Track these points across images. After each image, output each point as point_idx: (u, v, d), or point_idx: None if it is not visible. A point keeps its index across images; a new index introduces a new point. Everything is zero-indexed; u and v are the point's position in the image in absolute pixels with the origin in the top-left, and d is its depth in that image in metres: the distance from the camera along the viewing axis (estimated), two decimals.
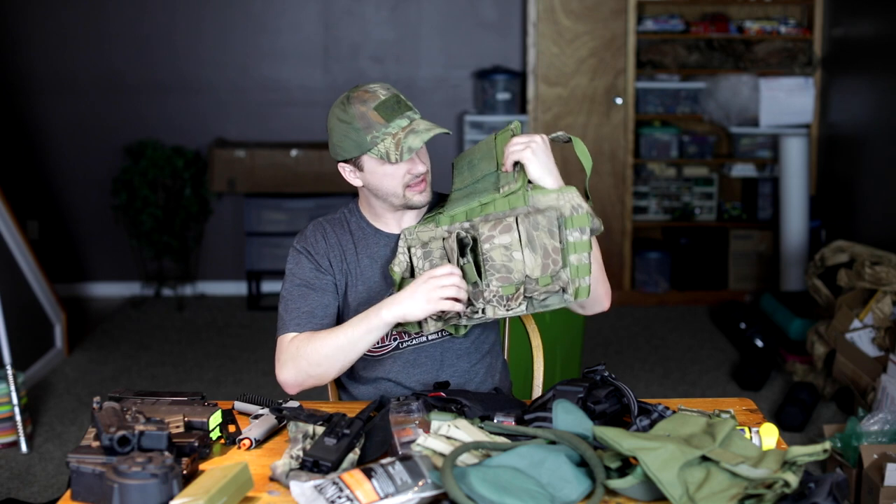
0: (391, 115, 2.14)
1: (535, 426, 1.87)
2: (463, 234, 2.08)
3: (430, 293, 2.00)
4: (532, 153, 2.08)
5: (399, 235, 2.25)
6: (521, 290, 2.03)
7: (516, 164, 2.11)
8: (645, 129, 5.86)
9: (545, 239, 2.02)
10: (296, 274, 2.23)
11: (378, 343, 2.22)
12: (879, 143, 5.01)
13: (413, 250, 2.14)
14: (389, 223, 2.28)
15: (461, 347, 2.30)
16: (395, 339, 2.25)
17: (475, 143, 2.22)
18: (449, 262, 2.08)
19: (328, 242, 2.25)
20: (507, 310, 2.05)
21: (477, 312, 2.07)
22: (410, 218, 2.27)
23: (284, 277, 2.25)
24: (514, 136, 2.14)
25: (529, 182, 2.09)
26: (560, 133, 2.20)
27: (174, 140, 5.89)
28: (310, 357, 2.10)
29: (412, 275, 2.14)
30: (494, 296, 2.04)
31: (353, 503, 1.62)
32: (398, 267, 2.16)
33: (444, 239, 2.11)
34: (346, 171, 2.22)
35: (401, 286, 2.14)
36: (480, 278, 2.04)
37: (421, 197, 2.20)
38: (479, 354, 2.33)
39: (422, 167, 2.18)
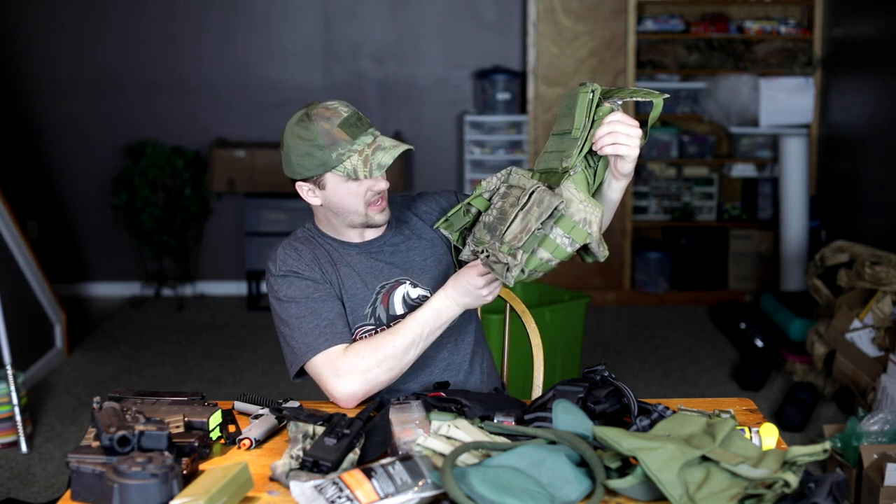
0: (356, 133, 2.13)
1: (535, 426, 1.87)
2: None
3: (482, 296, 2.11)
4: (636, 156, 1.99)
5: (365, 243, 2.26)
6: (486, 243, 2.02)
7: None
8: None
9: (532, 218, 1.94)
10: (293, 297, 2.18)
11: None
12: (879, 143, 5.01)
13: (501, 186, 2.11)
14: (352, 238, 2.27)
15: (446, 342, 2.30)
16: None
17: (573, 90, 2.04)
18: (516, 208, 2.03)
19: (305, 258, 2.22)
20: (472, 246, 2.08)
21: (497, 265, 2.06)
22: (371, 233, 2.28)
23: (280, 306, 2.18)
24: (591, 102, 1.99)
25: (596, 163, 2.01)
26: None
27: (174, 140, 5.89)
28: (383, 363, 2.09)
29: (490, 198, 2.13)
30: (476, 235, 2.09)
31: (353, 503, 1.62)
32: (485, 184, 2.14)
33: (523, 189, 2.02)
34: (304, 190, 2.20)
35: (465, 211, 2.16)
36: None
37: (381, 216, 2.21)
38: (464, 344, 2.34)
39: (384, 184, 2.18)
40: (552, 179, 2.00)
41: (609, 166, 2.04)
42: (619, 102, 2.03)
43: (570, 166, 1.98)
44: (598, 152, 1.98)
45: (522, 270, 1.96)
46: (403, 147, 2.13)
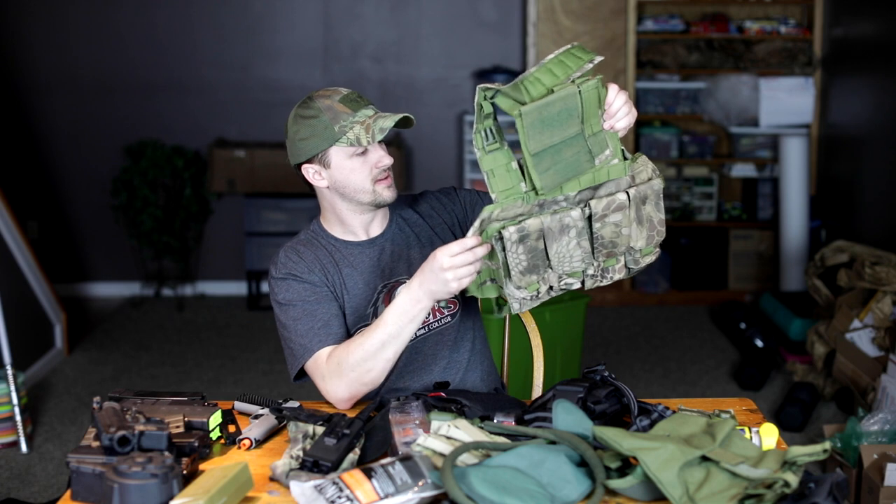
0: (356, 107, 2.16)
1: (535, 426, 1.87)
2: (580, 208, 1.95)
3: (449, 279, 1.92)
4: (632, 120, 2.01)
5: (368, 241, 2.25)
6: (623, 260, 2.01)
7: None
8: (645, 129, 5.86)
9: (652, 212, 2.00)
10: (291, 300, 2.18)
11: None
12: (879, 143, 5.01)
13: (509, 233, 1.89)
14: (358, 232, 2.27)
15: (446, 339, 2.30)
16: None
17: (538, 103, 1.89)
18: (546, 240, 1.91)
19: (306, 260, 2.22)
20: (605, 280, 2.01)
21: (575, 283, 1.99)
22: (378, 222, 2.28)
23: (279, 309, 2.20)
24: (598, 90, 1.96)
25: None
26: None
27: (174, 140, 5.89)
28: (357, 366, 2.07)
29: (505, 266, 1.92)
30: (598, 269, 1.99)
31: (353, 503, 1.62)
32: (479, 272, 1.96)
33: (541, 217, 1.91)
34: (311, 173, 2.20)
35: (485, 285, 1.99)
36: (593, 255, 1.97)
37: (389, 192, 2.21)
38: (464, 343, 2.34)
39: (389, 159, 2.19)
40: (585, 181, 1.95)
41: None
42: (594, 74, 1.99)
43: (616, 155, 1.98)
44: (609, 129, 1.99)
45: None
46: (402, 114, 2.15)
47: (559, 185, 1.94)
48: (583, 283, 2.00)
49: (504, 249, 1.91)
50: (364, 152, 2.17)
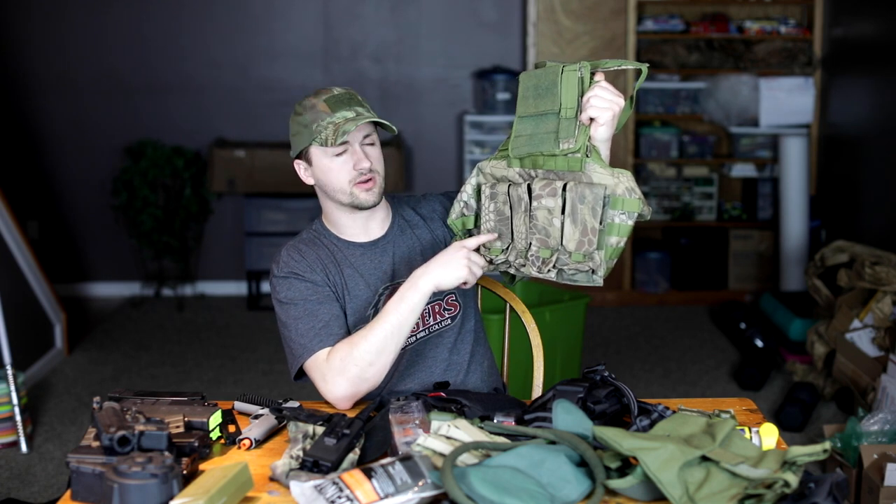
0: (338, 107, 2.16)
1: (535, 426, 1.87)
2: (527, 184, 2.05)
3: (462, 264, 2.05)
4: (613, 118, 1.99)
5: (370, 243, 2.26)
6: (555, 257, 2.00)
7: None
8: (645, 129, 5.86)
9: (587, 216, 1.96)
10: (292, 298, 2.18)
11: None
12: (879, 143, 5.01)
13: (483, 188, 2.11)
14: (357, 233, 2.27)
15: (446, 341, 2.30)
16: None
17: (537, 70, 2.07)
18: (512, 210, 2.05)
19: (308, 259, 2.22)
20: (539, 272, 2.03)
21: (525, 266, 2.05)
22: (379, 224, 2.28)
23: (280, 308, 2.19)
24: (582, 81, 2.00)
25: (588, 140, 2.00)
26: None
27: (174, 140, 5.89)
28: (360, 360, 2.07)
29: (477, 209, 2.13)
30: (532, 255, 2.03)
31: (353, 503, 1.62)
32: (460, 207, 2.15)
33: (510, 185, 2.06)
34: (301, 169, 2.26)
35: (462, 226, 2.17)
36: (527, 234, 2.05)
37: (367, 195, 2.19)
38: (464, 344, 2.34)
39: (366, 162, 2.17)
40: (549, 164, 2.01)
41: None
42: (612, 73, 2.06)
43: (578, 148, 1.98)
44: (582, 120, 2.00)
45: (606, 265, 1.99)
46: (371, 117, 2.15)
47: (529, 157, 2.04)
48: (524, 266, 2.05)
49: (480, 203, 2.11)
50: (344, 153, 2.17)
